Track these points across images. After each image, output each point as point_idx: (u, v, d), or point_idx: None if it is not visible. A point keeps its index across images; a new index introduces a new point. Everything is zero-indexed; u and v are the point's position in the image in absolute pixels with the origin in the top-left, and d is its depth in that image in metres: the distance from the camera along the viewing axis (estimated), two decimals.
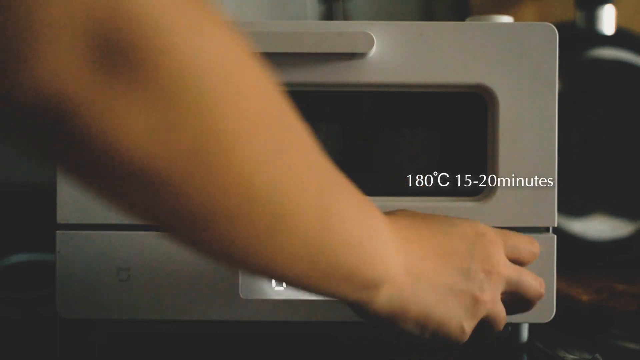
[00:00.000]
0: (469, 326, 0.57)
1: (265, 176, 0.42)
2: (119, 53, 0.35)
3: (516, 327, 0.69)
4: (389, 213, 0.57)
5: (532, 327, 0.70)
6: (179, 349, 0.70)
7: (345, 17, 1.02)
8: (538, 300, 0.61)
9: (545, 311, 0.67)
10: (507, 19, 0.69)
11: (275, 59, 0.64)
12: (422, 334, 0.56)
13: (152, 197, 0.39)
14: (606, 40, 0.91)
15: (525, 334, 0.70)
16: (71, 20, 0.33)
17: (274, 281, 0.68)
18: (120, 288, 0.67)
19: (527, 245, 0.62)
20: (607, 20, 0.92)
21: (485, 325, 0.59)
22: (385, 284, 0.52)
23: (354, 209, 0.49)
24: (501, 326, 0.59)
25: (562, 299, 0.77)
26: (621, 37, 0.92)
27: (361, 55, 0.66)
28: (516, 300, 0.61)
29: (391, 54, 0.66)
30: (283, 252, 0.45)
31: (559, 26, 0.67)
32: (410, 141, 0.69)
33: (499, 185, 0.66)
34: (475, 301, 0.57)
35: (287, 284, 0.49)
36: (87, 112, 0.35)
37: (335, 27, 0.66)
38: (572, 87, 0.87)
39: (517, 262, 0.61)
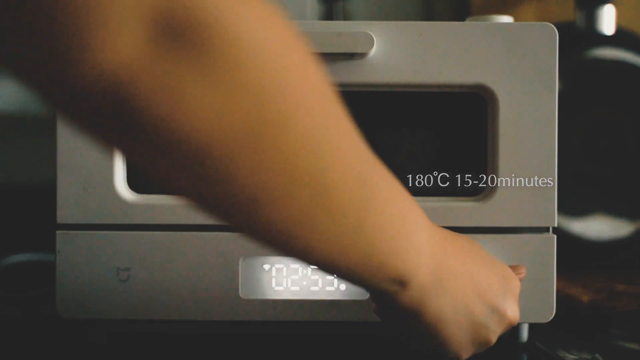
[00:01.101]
0: (465, 356, 0.58)
1: (311, 159, 0.43)
2: (181, 34, 0.37)
3: (516, 327, 0.69)
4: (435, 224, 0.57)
5: (532, 327, 0.70)
6: (179, 349, 0.70)
7: (345, 17, 1.02)
8: None
9: (545, 311, 0.67)
10: (507, 19, 0.69)
11: None
12: (427, 341, 0.56)
13: (203, 173, 0.40)
14: (606, 40, 0.91)
15: (525, 334, 0.70)
16: (137, 4, 0.35)
17: (274, 281, 0.68)
18: (120, 288, 0.67)
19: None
20: (607, 20, 0.92)
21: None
22: (414, 280, 0.53)
23: (393, 202, 0.50)
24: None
25: (562, 299, 0.77)
26: (621, 37, 0.92)
27: (361, 55, 0.66)
28: None
29: (391, 54, 0.66)
30: (322, 235, 0.46)
31: (559, 26, 0.67)
32: (410, 141, 0.69)
33: (499, 185, 0.66)
34: (486, 340, 0.58)
35: (321, 268, 0.50)
36: (150, 88, 0.37)
37: (335, 27, 0.66)
38: (572, 87, 0.87)
39: None
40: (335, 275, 0.51)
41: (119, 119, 0.38)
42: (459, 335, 0.56)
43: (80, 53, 0.35)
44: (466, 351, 0.58)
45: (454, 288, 0.55)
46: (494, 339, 0.58)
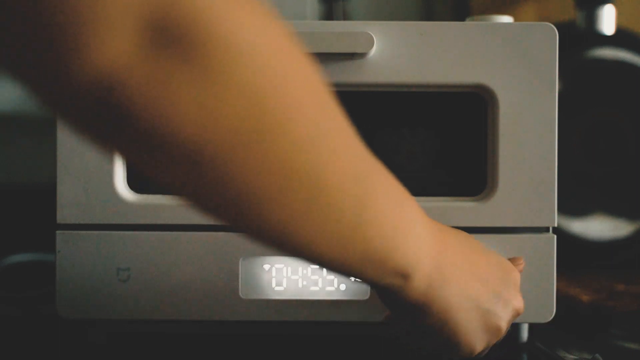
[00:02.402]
0: (480, 347, 0.58)
1: (306, 158, 0.43)
2: (173, 36, 0.37)
3: (516, 327, 0.69)
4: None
5: (532, 327, 0.70)
6: (179, 349, 0.70)
7: (345, 17, 1.02)
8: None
9: (545, 311, 0.67)
10: (507, 19, 0.69)
11: None
12: (435, 336, 0.56)
13: (197, 174, 0.41)
14: (606, 40, 0.91)
15: (525, 334, 0.70)
16: (128, 7, 0.36)
17: (274, 281, 0.68)
18: (120, 288, 0.67)
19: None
20: (607, 20, 0.92)
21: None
22: (417, 273, 0.53)
23: (390, 200, 0.50)
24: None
25: (562, 299, 0.77)
26: (621, 37, 0.92)
27: (361, 55, 0.66)
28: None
29: (391, 54, 0.66)
30: (319, 233, 0.46)
31: (559, 26, 0.67)
32: (410, 141, 0.69)
33: (499, 185, 0.66)
34: (497, 328, 0.58)
35: (322, 266, 0.50)
36: (142, 90, 0.37)
37: (335, 27, 0.66)
38: (572, 87, 0.87)
39: None
40: (338, 273, 0.52)
41: (113, 120, 0.38)
42: (468, 324, 0.56)
43: (73, 54, 0.35)
44: (479, 341, 0.57)
45: (457, 278, 0.55)
46: (504, 326, 0.58)
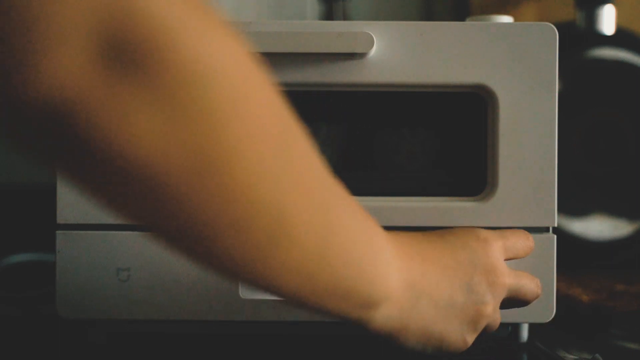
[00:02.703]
0: (471, 338, 0.58)
1: (268, 187, 0.41)
2: (127, 54, 0.35)
3: (516, 327, 0.69)
4: (389, 232, 0.57)
5: (532, 327, 0.70)
6: (179, 349, 0.70)
7: (345, 17, 1.02)
8: (535, 299, 0.63)
9: (545, 311, 0.67)
10: (507, 19, 0.69)
11: (275, 59, 0.65)
12: (424, 349, 0.56)
13: (151, 202, 0.39)
14: (606, 40, 0.91)
15: (525, 334, 0.70)
16: (80, 23, 0.34)
17: None
18: (120, 288, 0.67)
19: (524, 241, 0.63)
20: (607, 20, 0.92)
21: (482, 330, 0.60)
22: (385, 302, 0.52)
23: (356, 228, 0.49)
24: (495, 329, 0.61)
25: (562, 299, 0.77)
26: (621, 37, 0.92)
27: (361, 55, 0.66)
28: (513, 302, 0.62)
29: (391, 54, 0.66)
30: (281, 265, 0.45)
31: (559, 26, 0.67)
32: (410, 141, 0.69)
33: (499, 185, 0.66)
34: (478, 314, 0.57)
35: (285, 299, 0.48)
36: (93, 112, 0.35)
37: (335, 27, 0.66)
38: (572, 87, 0.87)
39: (515, 258, 0.62)
40: (304, 308, 0.50)
41: (64, 142, 0.36)
42: (450, 326, 0.56)
43: (21, 73, 0.33)
44: (467, 333, 0.57)
45: (428, 286, 0.55)
46: (489, 309, 0.58)
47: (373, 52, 0.66)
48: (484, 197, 0.67)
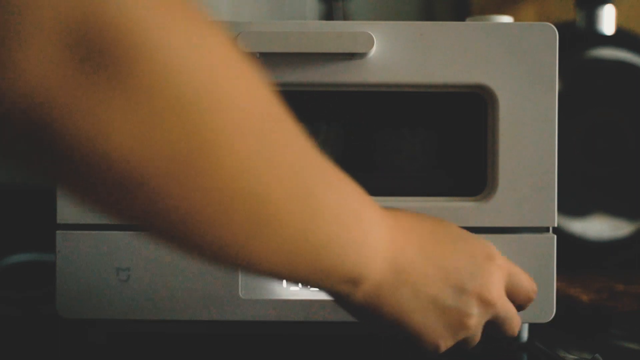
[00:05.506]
0: (445, 344, 0.56)
1: (249, 181, 0.41)
2: (97, 54, 0.34)
3: None
4: (400, 212, 0.57)
5: (532, 327, 0.70)
6: (179, 349, 0.70)
7: (345, 17, 1.02)
8: (509, 336, 0.61)
9: (545, 311, 0.67)
10: (507, 19, 0.69)
11: (275, 59, 0.65)
12: (395, 336, 0.56)
13: (130, 199, 0.38)
14: (606, 40, 0.91)
15: (525, 334, 0.70)
16: (47, 24, 0.33)
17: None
18: (120, 288, 0.67)
19: (528, 288, 0.61)
20: (607, 20, 0.92)
21: (458, 343, 0.58)
22: (368, 278, 0.52)
23: (343, 210, 0.49)
24: (472, 346, 0.59)
25: (562, 299, 0.77)
26: (621, 37, 0.92)
27: (361, 55, 0.66)
28: (494, 328, 0.60)
29: (391, 54, 0.66)
30: (266, 248, 0.45)
31: (559, 26, 0.67)
32: (410, 141, 0.69)
33: (499, 185, 0.66)
34: (460, 323, 0.56)
35: (272, 278, 0.50)
36: (66, 111, 0.34)
37: (335, 27, 0.66)
38: (572, 87, 0.87)
39: (510, 298, 0.60)
40: (288, 281, 0.51)
41: (37, 143, 0.35)
42: (427, 322, 0.55)
43: None
44: (443, 338, 0.56)
45: (415, 276, 0.54)
46: (470, 321, 0.56)
47: (373, 52, 0.66)
48: (484, 197, 0.67)
